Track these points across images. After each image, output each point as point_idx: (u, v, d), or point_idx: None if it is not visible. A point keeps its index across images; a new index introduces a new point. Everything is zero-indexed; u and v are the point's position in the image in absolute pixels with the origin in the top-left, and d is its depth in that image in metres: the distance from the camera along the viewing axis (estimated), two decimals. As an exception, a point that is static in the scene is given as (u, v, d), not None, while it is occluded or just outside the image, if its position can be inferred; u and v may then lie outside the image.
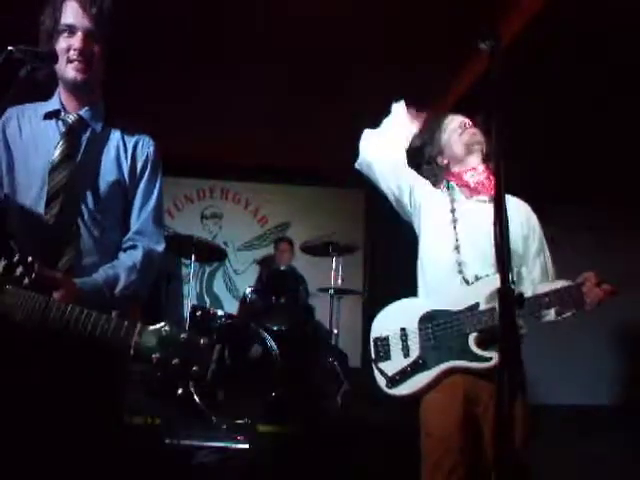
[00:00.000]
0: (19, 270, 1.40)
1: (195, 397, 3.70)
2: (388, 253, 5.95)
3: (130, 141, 1.75)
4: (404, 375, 1.90)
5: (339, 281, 4.83)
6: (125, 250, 1.70)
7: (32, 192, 1.61)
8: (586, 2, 3.24)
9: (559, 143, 4.94)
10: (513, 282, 1.87)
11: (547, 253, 2.04)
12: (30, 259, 1.41)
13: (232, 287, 6.54)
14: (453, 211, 2.01)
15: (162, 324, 1.28)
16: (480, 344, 1.83)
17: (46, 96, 1.76)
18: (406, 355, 1.91)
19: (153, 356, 1.24)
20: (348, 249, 4.87)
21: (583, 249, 5.90)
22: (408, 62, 4.03)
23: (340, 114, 4.67)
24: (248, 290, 4.65)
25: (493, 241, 1.78)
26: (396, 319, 1.96)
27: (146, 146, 1.78)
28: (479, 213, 1.96)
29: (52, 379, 1.47)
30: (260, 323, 4.19)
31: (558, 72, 4.01)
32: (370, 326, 2.00)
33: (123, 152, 1.72)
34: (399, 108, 2.24)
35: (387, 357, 1.94)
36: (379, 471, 3.13)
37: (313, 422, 3.85)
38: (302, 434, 3.62)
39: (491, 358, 1.80)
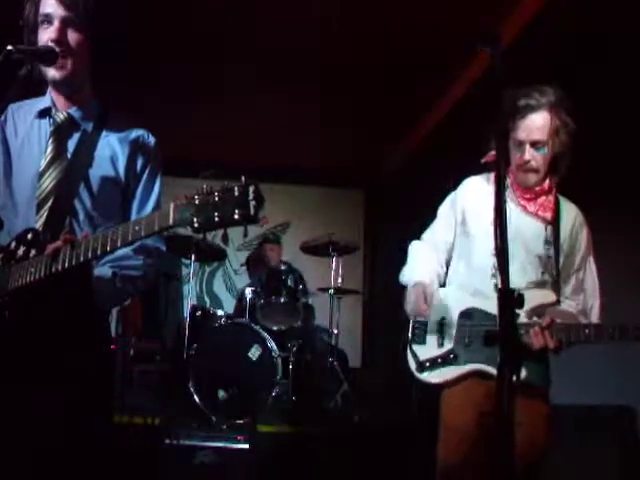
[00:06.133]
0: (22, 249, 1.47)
1: (195, 397, 3.71)
2: (388, 253, 5.94)
3: (128, 138, 1.67)
4: (434, 363, 1.94)
5: (339, 281, 4.83)
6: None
7: (25, 197, 1.58)
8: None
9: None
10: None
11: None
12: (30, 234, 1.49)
13: (232, 287, 6.54)
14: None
15: (194, 194, 1.25)
16: None
17: (44, 92, 1.69)
18: (440, 345, 1.96)
19: (195, 225, 1.23)
20: (348, 249, 4.86)
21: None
22: (406, 61, 4.03)
23: (340, 115, 4.68)
24: (248, 290, 4.62)
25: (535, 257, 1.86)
26: (438, 307, 1.98)
27: (146, 142, 1.70)
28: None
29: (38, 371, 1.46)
30: (260, 323, 4.18)
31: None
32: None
33: (120, 150, 1.65)
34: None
35: (422, 341, 1.99)
36: (378, 471, 3.13)
37: (313, 422, 3.85)
38: (302, 434, 3.62)
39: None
